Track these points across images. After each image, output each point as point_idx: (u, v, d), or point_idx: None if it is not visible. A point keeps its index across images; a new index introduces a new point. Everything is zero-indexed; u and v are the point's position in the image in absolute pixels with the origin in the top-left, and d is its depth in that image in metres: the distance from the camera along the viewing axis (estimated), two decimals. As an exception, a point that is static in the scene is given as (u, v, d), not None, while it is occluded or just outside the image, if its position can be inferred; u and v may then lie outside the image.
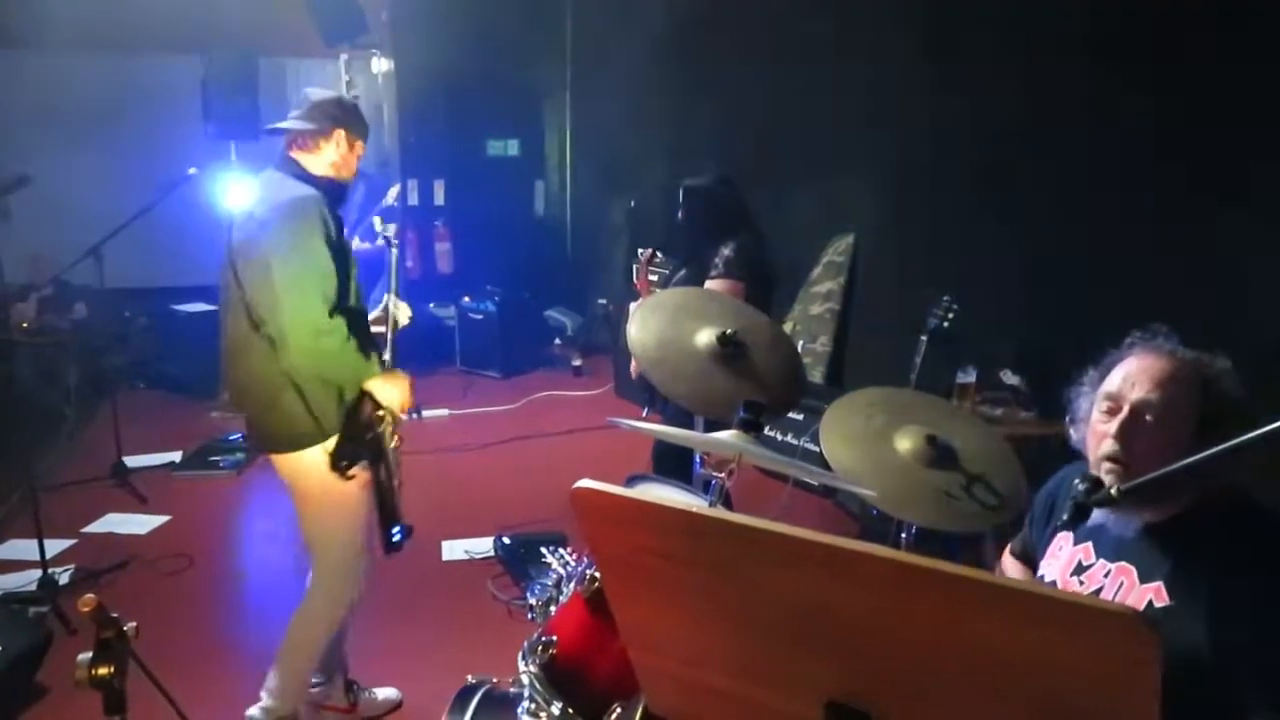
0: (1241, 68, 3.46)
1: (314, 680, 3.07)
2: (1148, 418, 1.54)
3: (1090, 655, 0.83)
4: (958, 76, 4.77)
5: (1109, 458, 1.56)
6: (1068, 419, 1.72)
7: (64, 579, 3.92)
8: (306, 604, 2.92)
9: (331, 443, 2.73)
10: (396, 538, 2.84)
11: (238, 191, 5.86)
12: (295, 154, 2.75)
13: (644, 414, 4.15)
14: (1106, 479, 1.54)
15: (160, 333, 6.99)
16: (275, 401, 2.69)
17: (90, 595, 1.50)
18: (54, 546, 4.06)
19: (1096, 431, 1.61)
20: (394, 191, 6.61)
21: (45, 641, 3.30)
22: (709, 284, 3.62)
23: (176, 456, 5.53)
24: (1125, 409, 1.56)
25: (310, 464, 2.73)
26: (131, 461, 5.18)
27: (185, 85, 7.23)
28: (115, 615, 1.56)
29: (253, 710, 2.93)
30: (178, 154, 6.16)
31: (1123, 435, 1.55)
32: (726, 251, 3.66)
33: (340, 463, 2.71)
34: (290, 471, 2.78)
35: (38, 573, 3.76)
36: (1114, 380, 1.60)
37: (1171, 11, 3.67)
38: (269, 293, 2.59)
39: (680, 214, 3.92)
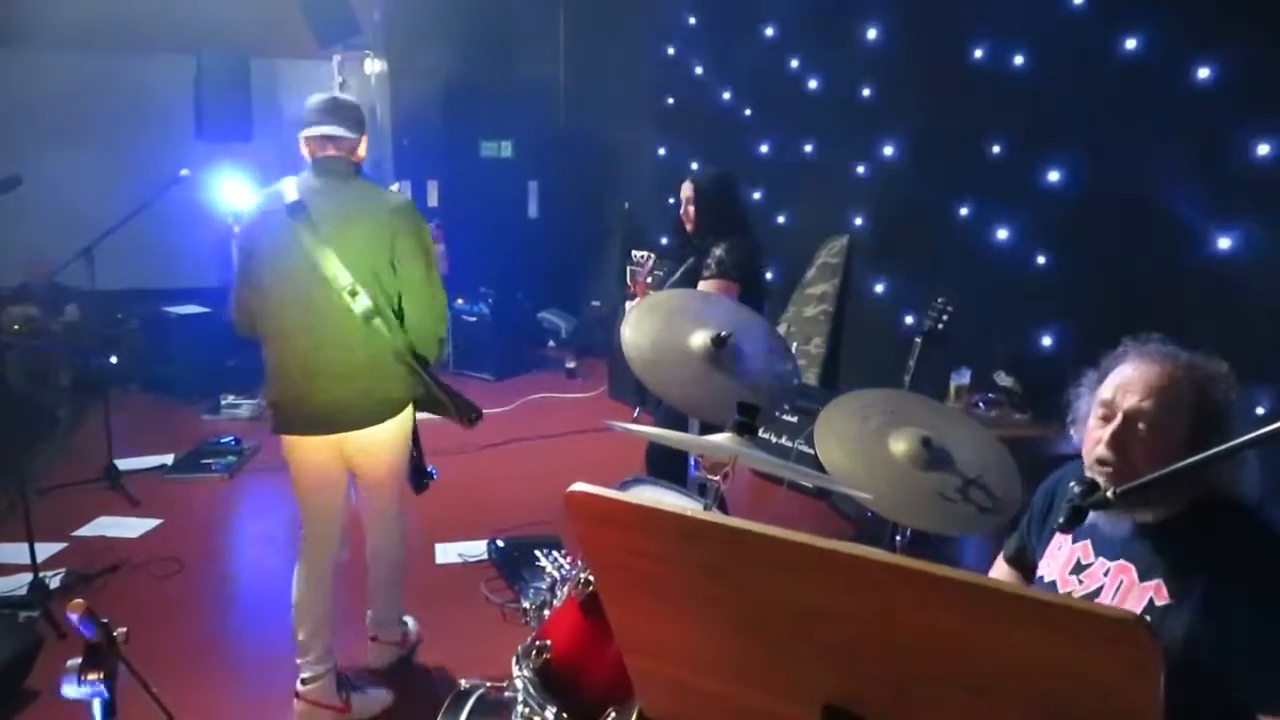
0: (1242, 68, 3.48)
1: (304, 676, 3.08)
2: (1140, 425, 1.55)
3: (1091, 660, 0.82)
4: (955, 77, 4.78)
5: (1101, 463, 1.57)
6: (1069, 419, 1.73)
7: (55, 583, 3.89)
8: (395, 539, 3.33)
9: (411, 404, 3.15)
10: (434, 475, 3.37)
11: (234, 191, 5.82)
12: (350, 158, 3.02)
13: (634, 414, 4.14)
14: (1101, 481, 1.55)
15: (152, 335, 6.96)
16: (390, 377, 3.02)
17: (78, 600, 1.48)
18: (45, 550, 4.03)
19: (1091, 436, 1.62)
20: (394, 190, 6.59)
21: (35, 646, 3.28)
22: (702, 284, 3.62)
23: (168, 459, 5.51)
24: (1119, 416, 1.57)
25: (402, 423, 3.13)
26: (123, 464, 5.16)
27: (178, 86, 7.22)
28: (105, 620, 1.54)
29: (381, 653, 3.40)
30: (170, 155, 6.15)
31: (1115, 443, 1.56)
32: (719, 251, 3.65)
33: (468, 417, 3.20)
34: (392, 433, 3.10)
35: (28, 576, 3.74)
36: (1108, 387, 1.61)
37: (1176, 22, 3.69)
38: (415, 275, 2.98)
39: (689, 208, 3.88)
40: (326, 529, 3.13)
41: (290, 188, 2.93)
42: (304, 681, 3.07)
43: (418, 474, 3.30)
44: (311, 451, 3.05)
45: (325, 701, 3.08)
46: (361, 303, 2.87)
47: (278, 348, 2.99)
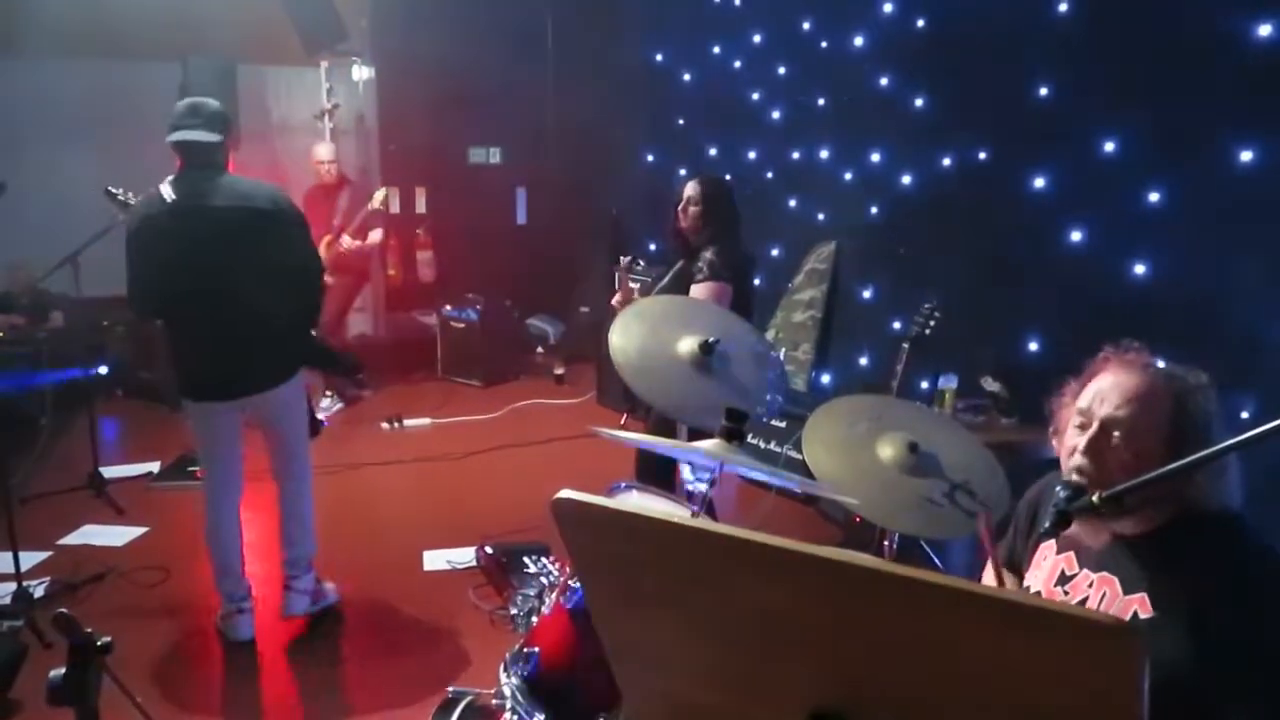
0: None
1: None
2: (1115, 434, 1.55)
3: (1076, 665, 0.82)
4: (943, 85, 4.81)
5: (1078, 471, 1.57)
6: (1051, 430, 1.73)
7: (39, 592, 3.86)
8: (304, 487, 3.67)
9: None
10: (324, 424, 4.03)
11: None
12: (215, 157, 3.36)
13: (622, 420, 4.14)
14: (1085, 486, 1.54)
15: (138, 341, 6.91)
16: (282, 343, 3.42)
17: (62, 610, 1.47)
18: (29, 559, 3.99)
19: (1068, 445, 1.62)
20: (379, 195, 6.61)
21: (19, 656, 3.26)
22: (695, 289, 3.61)
23: (154, 467, 5.47)
24: (1095, 425, 1.57)
25: (297, 384, 3.52)
26: (108, 472, 5.12)
27: (164, 92, 7.17)
28: (90, 630, 1.53)
29: (300, 585, 3.60)
30: (156, 161, 6.10)
31: (1090, 452, 1.56)
32: (709, 254, 3.65)
33: (357, 374, 3.87)
34: (291, 392, 3.51)
35: (12, 586, 3.70)
36: (1086, 395, 1.61)
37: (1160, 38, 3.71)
38: (293, 255, 3.37)
39: (689, 208, 3.85)
40: (229, 478, 3.60)
41: (167, 190, 3.25)
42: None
43: (311, 423, 3.87)
44: (217, 416, 3.44)
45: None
46: (245, 281, 3.25)
47: (180, 328, 3.41)
